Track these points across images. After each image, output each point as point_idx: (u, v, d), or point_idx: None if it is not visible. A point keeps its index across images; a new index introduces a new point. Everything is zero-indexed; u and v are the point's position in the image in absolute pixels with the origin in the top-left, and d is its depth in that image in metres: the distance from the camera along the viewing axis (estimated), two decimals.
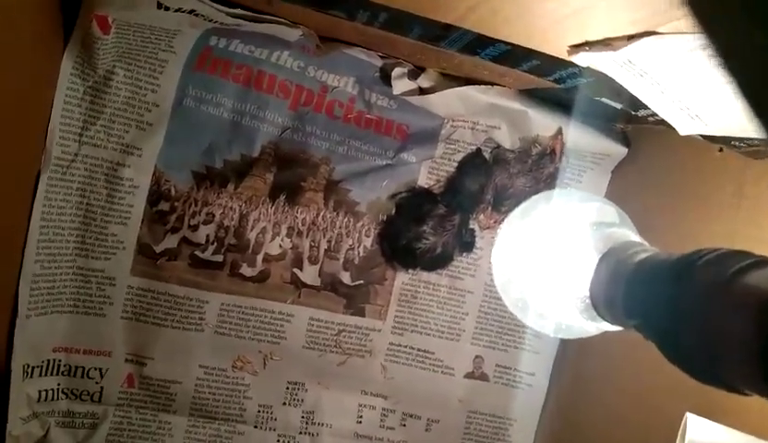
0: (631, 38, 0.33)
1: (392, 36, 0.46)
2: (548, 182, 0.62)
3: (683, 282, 0.26)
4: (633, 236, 0.35)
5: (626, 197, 0.62)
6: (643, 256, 0.31)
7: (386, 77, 0.60)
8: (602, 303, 0.33)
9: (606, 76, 0.39)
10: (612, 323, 0.34)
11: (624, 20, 0.32)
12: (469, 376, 0.65)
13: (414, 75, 0.59)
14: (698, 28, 0.19)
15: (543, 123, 0.60)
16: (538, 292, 0.38)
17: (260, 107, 0.59)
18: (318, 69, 0.59)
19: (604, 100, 0.50)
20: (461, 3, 0.35)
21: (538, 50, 0.40)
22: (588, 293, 0.34)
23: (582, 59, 0.37)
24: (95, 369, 0.58)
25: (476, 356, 0.65)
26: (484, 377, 0.65)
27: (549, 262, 0.37)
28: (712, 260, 0.26)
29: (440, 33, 0.41)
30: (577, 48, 0.37)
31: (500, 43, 0.41)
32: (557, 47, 0.40)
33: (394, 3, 0.38)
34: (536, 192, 0.61)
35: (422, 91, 0.59)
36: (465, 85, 0.58)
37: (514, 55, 0.43)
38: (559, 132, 0.60)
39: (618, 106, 0.50)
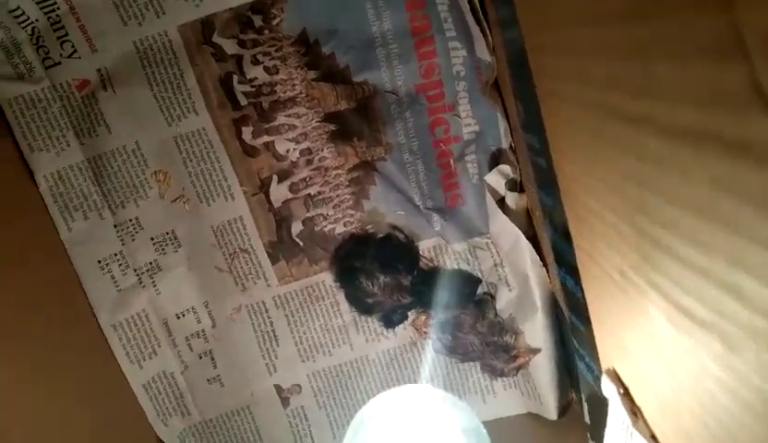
0: None
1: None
2: (487, 369, 0.60)
3: None
4: None
5: None
6: None
7: (495, 160, 0.56)
8: None
9: None
10: None
11: None
12: (278, 389, 0.63)
13: (512, 186, 0.56)
14: None
15: (536, 332, 0.57)
16: None
17: (401, 58, 0.54)
18: (467, 96, 0.55)
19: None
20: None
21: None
22: None
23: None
24: (71, 46, 0.54)
25: (296, 384, 0.63)
26: (286, 402, 0.63)
27: None
28: None
29: None
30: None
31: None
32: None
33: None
34: (471, 359, 0.60)
35: (500, 202, 0.56)
36: (533, 242, 0.55)
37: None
38: (537, 352, 0.57)
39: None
